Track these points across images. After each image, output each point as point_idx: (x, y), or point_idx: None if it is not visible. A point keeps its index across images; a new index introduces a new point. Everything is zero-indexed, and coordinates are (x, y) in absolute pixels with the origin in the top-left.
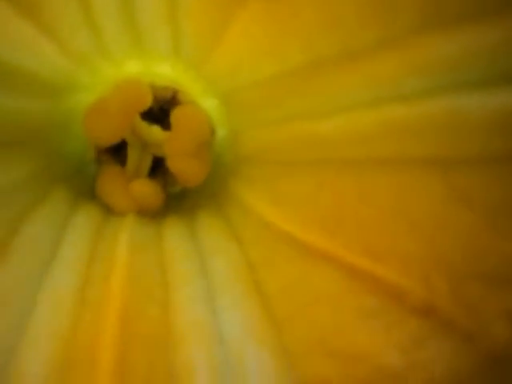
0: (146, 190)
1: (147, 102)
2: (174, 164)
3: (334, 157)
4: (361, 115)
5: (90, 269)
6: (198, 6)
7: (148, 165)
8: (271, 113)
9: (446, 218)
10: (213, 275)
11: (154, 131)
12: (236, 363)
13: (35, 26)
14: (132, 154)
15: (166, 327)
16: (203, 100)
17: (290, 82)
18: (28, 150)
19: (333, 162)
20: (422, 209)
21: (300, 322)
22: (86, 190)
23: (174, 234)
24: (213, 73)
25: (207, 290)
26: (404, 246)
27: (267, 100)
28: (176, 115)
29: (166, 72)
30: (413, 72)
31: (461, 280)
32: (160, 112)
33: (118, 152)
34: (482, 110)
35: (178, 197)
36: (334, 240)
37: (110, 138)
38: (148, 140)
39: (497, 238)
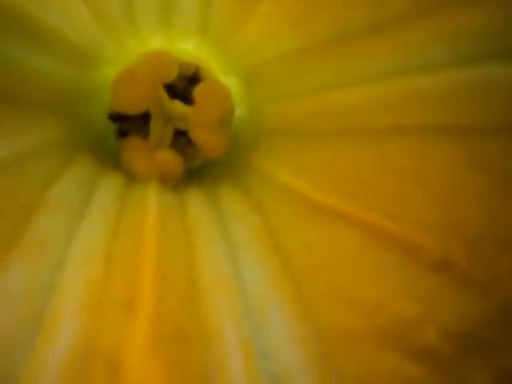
0: (168, 158)
1: (173, 72)
2: (198, 135)
3: (356, 126)
4: (385, 85)
5: (118, 225)
6: None
7: (170, 136)
8: (294, 86)
9: (463, 182)
10: (234, 238)
11: (177, 105)
12: (259, 314)
13: None
14: (155, 126)
15: (192, 282)
16: (224, 77)
17: (315, 55)
18: (55, 115)
19: (355, 131)
20: (442, 173)
21: (319, 277)
22: (109, 158)
23: (195, 201)
24: (237, 49)
25: (229, 250)
26: (422, 208)
27: (291, 73)
28: (200, 90)
29: (189, 48)
30: (439, 42)
31: (476, 240)
32: (181, 87)
33: (139, 123)
34: (506, 79)
35: (198, 170)
36: (353, 202)
37: (136, 108)
38: (171, 113)
39: (510, 202)
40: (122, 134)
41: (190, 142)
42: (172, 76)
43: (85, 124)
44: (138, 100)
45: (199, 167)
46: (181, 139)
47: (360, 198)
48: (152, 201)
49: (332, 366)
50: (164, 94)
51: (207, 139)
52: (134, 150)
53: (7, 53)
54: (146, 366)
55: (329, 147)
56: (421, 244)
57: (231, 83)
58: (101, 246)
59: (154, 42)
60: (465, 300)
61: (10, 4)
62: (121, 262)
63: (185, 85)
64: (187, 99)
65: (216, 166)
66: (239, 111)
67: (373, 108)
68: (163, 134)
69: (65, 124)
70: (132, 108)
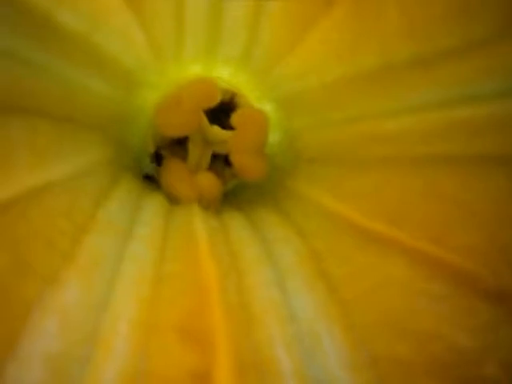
0: (208, 181)
1: (216, 99)
2: (238, 160)
3: (401, 154)
4: (429, 114)
5: (165, 246)
6: (282, 13)
7: (208, 159)
8: (336, 114)
9: (508, 211)
10: (280, 262)
11: (216, 129)
12: (311, 340)
13: (135, 15)
14: (194, 149)
15: (244, 308)
16: (259, 102)
17: (359, 84)
18: (103, 136)
19: (399, 159)
20: (486, 200)
21: (367, 304)
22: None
23: (236, 224)
24: (278, 77)
25: (276, 275)
26: (468, 236)
27: (333, 101)
28: (239, 116)
29: (225, 75)
30: (485, 76)
31: None
32: (219, 113)
33: (175, 146)
34: None
35: (232, 192)
36: (399, 229)
37: (178, 132)
38: (210, 137)
39: None
40: (157, 156)
41: (226, 164)
42: (215, 102)
43: (126, 146)
44: (181, 124)
45: (233, 189)
46: (217, 162)
47: (407, 225)
48: (199, 224)
49: None
50: (205, 119)
51: (247, 163)
52: (174, 173)
53: (69, 75)
54: None
55: (373, 174)
56: (471, 272)
57: (267, 108)
58: (149, 267)
59: (193, 68)
60: None
61: (75, 31)
62: (172, 286)
63: (221, 110)
64: (223, 124)
65: (250, 188)
66: (273, 136)
67: (417, 137)
68: (201, 157)
69: (110, 145)
70: (175, 132)
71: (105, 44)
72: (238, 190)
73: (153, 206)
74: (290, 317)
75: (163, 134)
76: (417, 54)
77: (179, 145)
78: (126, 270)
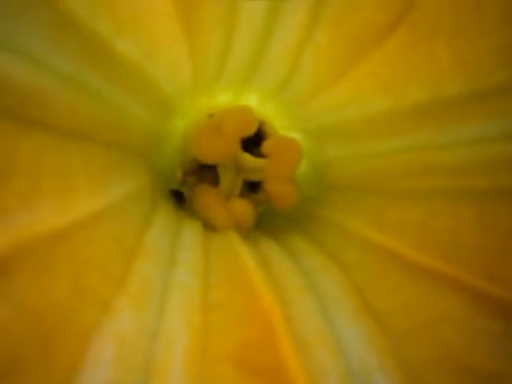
0: (244, 209)
1: (254, 127)
2: (273, 187)
3: (452, 186)
4: (484, 147)
5: (208, 273)
6: (330, 45)
7: (240, 186)
8: (376, 145)
9: None
10: (322, 292)
11: (248, 157)
12: (361, 373)
13: (187, 47)
14: (226, 176)
15: (295, 339)
16: (288, 132)
17: (405, 117)
18: (142, 163)
19: (449, 191)
20: None
21: (420, 339)
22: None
23: (274, 252)
24: (313, 108)
25: (320, 305)
26: None
27: (374, 133)
28: (275, 143)
29: (254, 103)
30: None
31: None
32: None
33: (201, 172)
34: None
35: (260, 220)
36: (452, 263)
37: (214, 158)
38: (243, 164)
39: None
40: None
41: (255, 191)
42: (252, 131)
43: (158, 172)
44: (220, 152)
45: (261, 217)
46: (244, 189)
47: (461, 260)
48: (244, 251)
49: None
50: (239, 148)
51: (282, 191)
52: (207, 199)
53: (119, 101)
54: None
55: (421, 206)
56: None
57: (297, 137)
58: (196, 294)
59: (223, 96)
60: None
61: (130, 59)
62: (222, 314)
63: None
64: (252, 152)
65: (277, 217)
66: (300, 165)
67: (474, 168)
68: (233, 184)
69: (148, 171)
70: (211, 159)
71: (153, 72)
72: (266, 219)
73: (191, 231)
74: (340, 349)
75: (200, 160)
76: (469, 88)
77: (205, 170)
78: (174, 298)
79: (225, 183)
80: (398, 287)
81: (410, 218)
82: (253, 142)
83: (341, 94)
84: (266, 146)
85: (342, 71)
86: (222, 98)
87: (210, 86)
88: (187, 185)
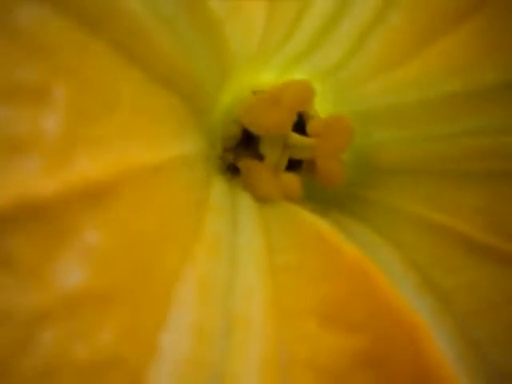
0: (294, 182)
1: (312, 103)
2: (323, 164)
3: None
4: None
5: (271, 237)
6: (403, 25)
7: (285, 162)
8: (434, 128)
9: None
10: (383, 265)
11: (296, 135)
12: None
13: (266, 13)
14: (272, 151)
15: None
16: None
17: (470, 101)
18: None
19: (510, 175)
20: None
21: (486, 320)
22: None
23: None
24: (366, 91)
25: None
26: None
27: (433, 116)
28: (323, 124)
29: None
30: None
31: None
32: None
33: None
34: None
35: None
36: None
37: (269, 131)
38: (291, 141)
39: None
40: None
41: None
42: (311, 105)
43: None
44: (274, 122)
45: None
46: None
47: None
48: (312, 217)
49: None
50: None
51: (331, 168)
52: (258, 172)
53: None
54: None
55: (482, 189)
56: None
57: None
58: (264, 255)
59: (266, 75)
60: None
61: (216, 14)
62: (296, 275)
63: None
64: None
65: (323, 196)
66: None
67: None
68: (280, 160)
69: (203, 133)
70: (264, 129)
71: (229, 34)
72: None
73: (245, 199)
74: None
75: (255, 131)
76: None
77: (243, 147)
78: (242, 255)
79: (270, 159)
80: (461, 267)
81: (470, 201)
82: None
83: (403, 76)
84: (314, 127)
85: (410, 53)
86: (266, 77)
87: (266, 60)
88: (227, 160)
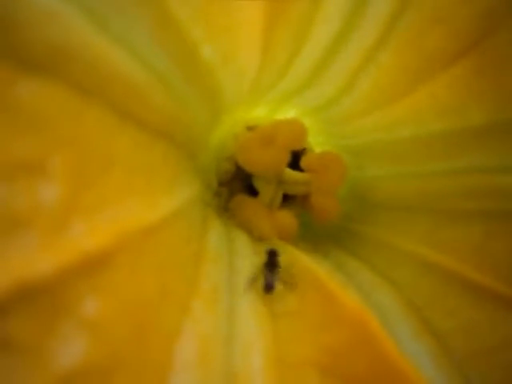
0: (289, 220)
1: (305, 142)
2: (317, 200)
3: (506, 207)
4: None
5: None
6: (395, 65)
7: (280, 199)
8: (426, 166)
9: None
10: (379, 307)
11: (289, 171)
12: None
13: (260, 57)
14: (266, 188)
15: None
16: (322, 148)
17: (462, 139)
18: (194, 166)
19: (504, 212)
20: None
21: (486, 363)
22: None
23: (326, 265)
24: (359, 127)
25: (384, 321)
26: None
27: (425, 153)
28: (320, 158)
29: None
30: None
31: None
32: None
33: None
34: None
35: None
36: None
37: (262, 169)
38: (285, 177)
39: None
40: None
41: (289, 203)
42: (303, 143)
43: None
44: (267, 161)
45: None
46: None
47: None
48: (308, 259)
49: None
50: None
51: (325, 204)
52: (252, 209)
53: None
54: None
55: (477, 227)
56: None
57: None
58: (261, 302)
59: (259, 110)
60: None
61: (210, 62)
62: (297, 322)
63: None
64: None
65: (318, 232)
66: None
67: None
68: (274, 196)
69: (199, 176)
70: (258, 168)
71: (222, 79)
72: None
73: (241, 240)
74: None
75: (246, 169)
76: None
77: (237, 182)
78: (241, 303)
79: (265, 195)
80: (458, 308)
81: (467, 239)
82: None
83: (393, 114)
84: (308, 161)
85: (399, 93)
86: (258, 112)
87: (259, 98)
88: (222, 195)
